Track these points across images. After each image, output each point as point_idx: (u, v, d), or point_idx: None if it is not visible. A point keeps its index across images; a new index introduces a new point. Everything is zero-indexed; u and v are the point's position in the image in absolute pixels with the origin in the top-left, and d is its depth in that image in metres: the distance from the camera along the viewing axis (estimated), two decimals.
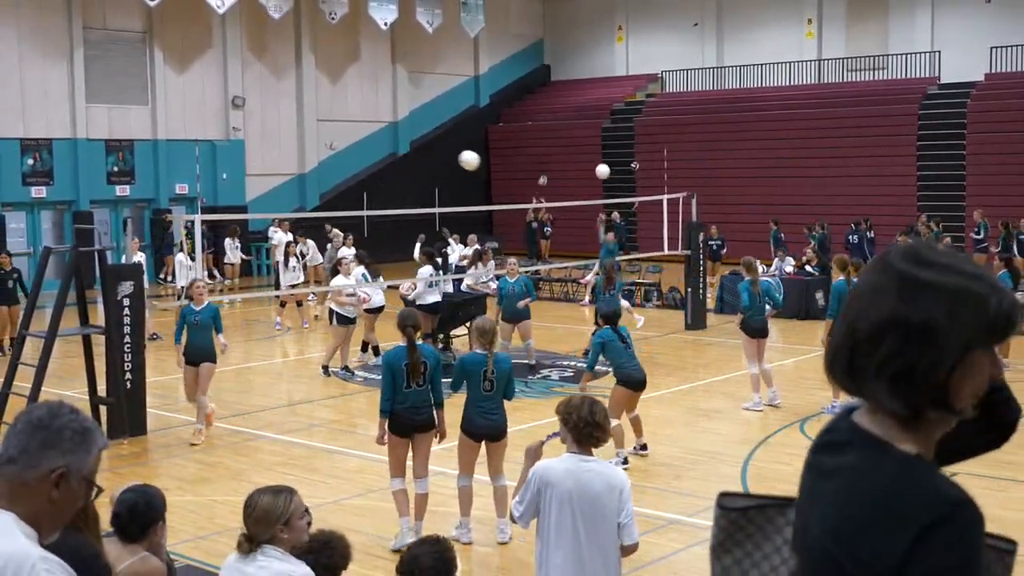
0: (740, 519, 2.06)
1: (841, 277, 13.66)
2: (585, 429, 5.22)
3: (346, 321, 15.87)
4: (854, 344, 1.86)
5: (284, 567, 4.44)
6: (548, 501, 5.20)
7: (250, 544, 4.51)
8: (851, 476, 1.86)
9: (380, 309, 17.13)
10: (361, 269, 16.97)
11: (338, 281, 16.27)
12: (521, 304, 16.23)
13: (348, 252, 21.07)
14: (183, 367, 12.52)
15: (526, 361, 16.38)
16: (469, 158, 16.87)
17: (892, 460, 1.84)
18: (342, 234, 22.91)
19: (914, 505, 1.77)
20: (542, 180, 30.93)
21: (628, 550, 5.39)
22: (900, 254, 1.88)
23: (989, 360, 1.86)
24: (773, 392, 13.88)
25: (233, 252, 26.54)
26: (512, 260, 17.30)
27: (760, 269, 15.09)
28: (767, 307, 13.97)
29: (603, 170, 22.53)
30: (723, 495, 2.07)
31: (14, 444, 2.56)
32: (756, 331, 13.70)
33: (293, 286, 20.79)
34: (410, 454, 9.01)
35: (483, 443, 8.83)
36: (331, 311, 16.44)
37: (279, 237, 24.37)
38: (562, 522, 5.17)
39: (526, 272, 18.03)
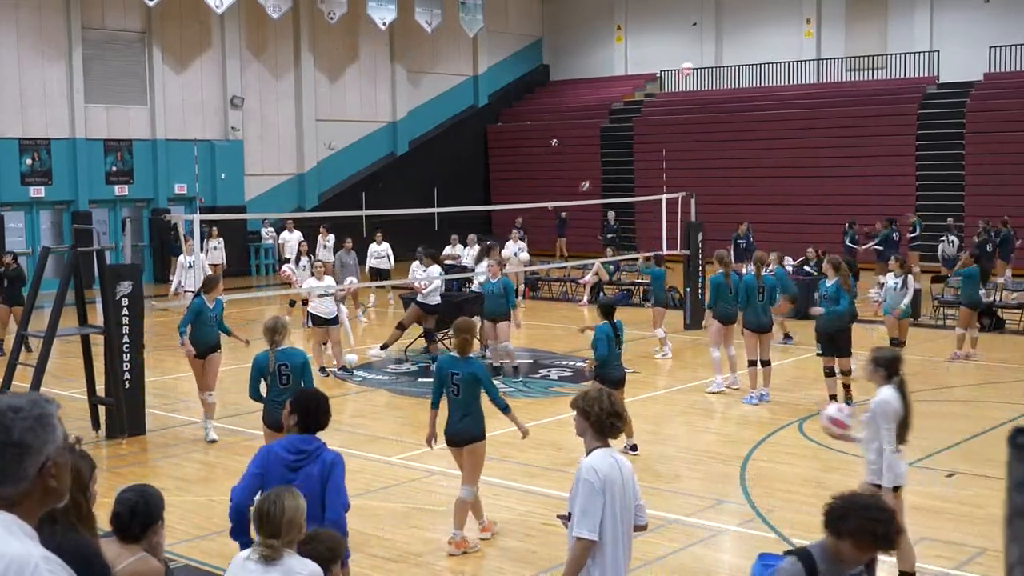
0: None
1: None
2: (608, 420, 5.34)
3: (322, 322, 15.86)
4: None
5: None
6: (609, 497, 5.29)
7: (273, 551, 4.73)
8: None
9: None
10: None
11: (310, 284, 16.27)
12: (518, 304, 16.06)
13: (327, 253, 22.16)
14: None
15: (490, 362, 15.80)
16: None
17: None
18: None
19: None
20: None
21: (641, 529, 5.56)
22: None
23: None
24: (734, 376, 14.77)
25: (213, 253, 25.63)
26: (493, 261, 17.01)
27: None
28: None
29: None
30: (1017, 431, 1.90)
31: None
32: (726, 319, 14.71)
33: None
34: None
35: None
36: (308, 313, 16.53)
37: (285, 236, 24.61)
38: (614, 512, 5.29)
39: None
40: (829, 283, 13.58)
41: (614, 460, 5.33)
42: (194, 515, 9.78)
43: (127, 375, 12.53)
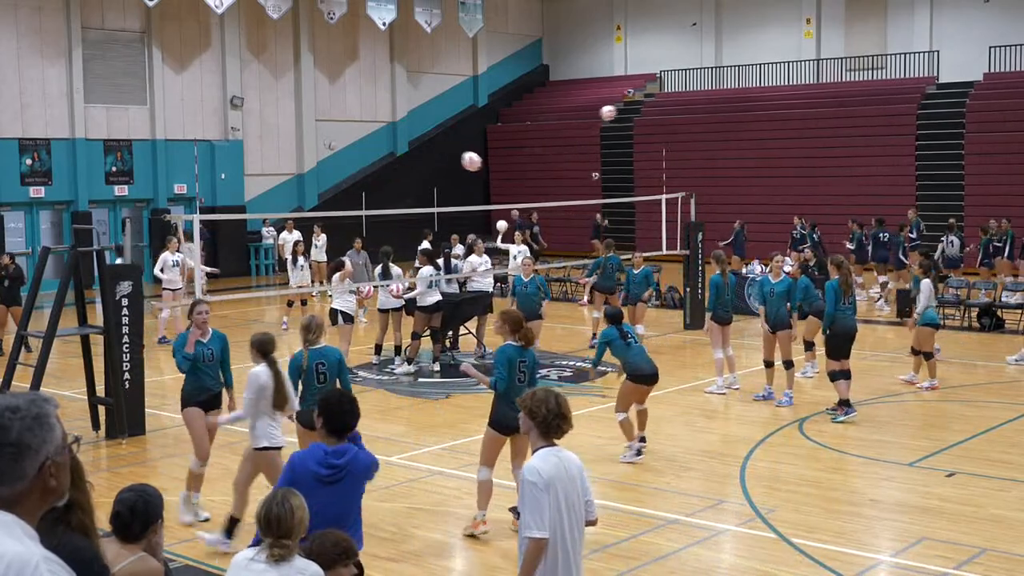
0: None
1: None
2: (554, 421, 5.38)
3: (349, 319, 16.06)
4: None
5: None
6: (553, 495, 5.30)
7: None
8: None
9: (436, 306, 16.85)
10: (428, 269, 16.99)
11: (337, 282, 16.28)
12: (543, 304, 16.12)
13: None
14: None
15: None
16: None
17: None
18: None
19: None
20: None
21: (591, 524, 5.58)
22: None
23: None
24: (733, 376, 14.75)
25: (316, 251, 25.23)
26: (527, 259, 17.43)
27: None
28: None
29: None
30: None
31: None
32: (724, 320, 14.68)
33: (301, 286, 20.90)
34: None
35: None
36: (332, 310, 16.44)
37: (285, 236, 24.52)
38: (559, 509, 5.31)
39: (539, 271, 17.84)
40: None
41: (558, 459, 5.36)
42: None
43: (127, 375, 12.53)
